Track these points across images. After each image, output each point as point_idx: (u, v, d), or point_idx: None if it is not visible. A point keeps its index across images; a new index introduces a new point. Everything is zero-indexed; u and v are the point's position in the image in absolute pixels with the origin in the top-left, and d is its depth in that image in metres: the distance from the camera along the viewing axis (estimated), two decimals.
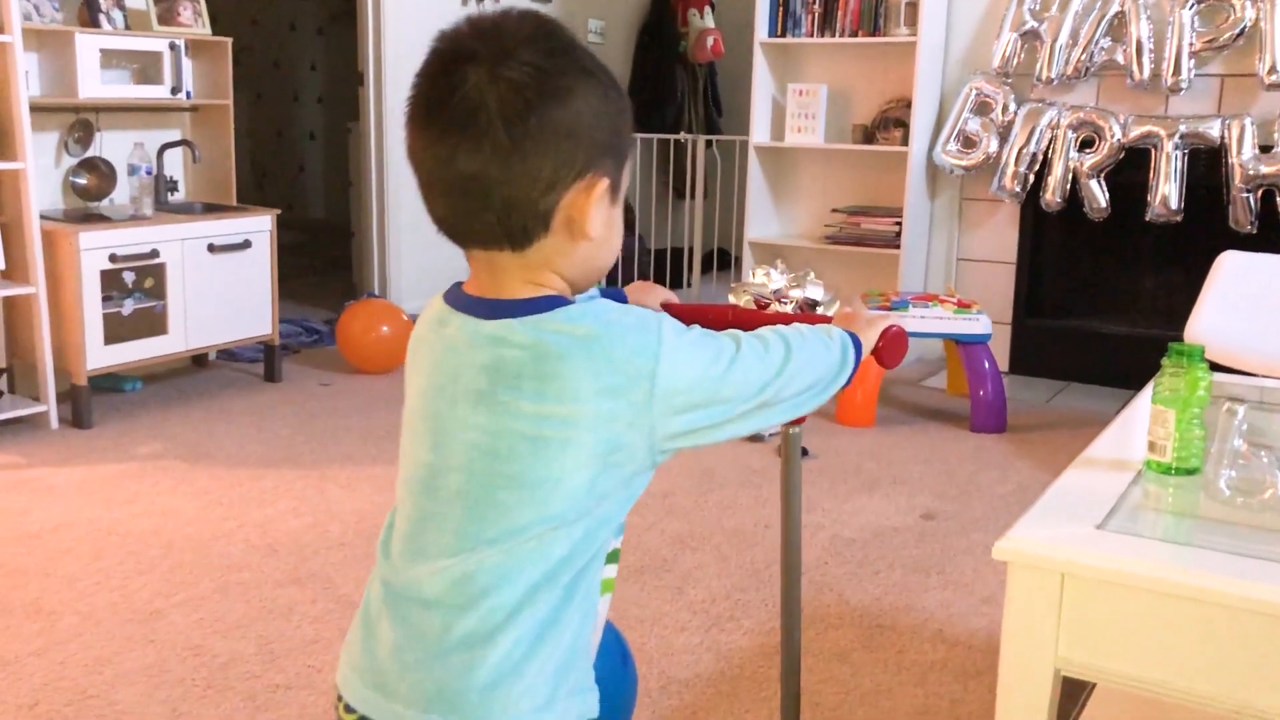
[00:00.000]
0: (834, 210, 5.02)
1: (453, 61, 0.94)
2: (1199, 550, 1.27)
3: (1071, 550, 1.23)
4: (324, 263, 7.04)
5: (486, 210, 0.96)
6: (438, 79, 0.95)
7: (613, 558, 1.06)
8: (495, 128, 0.93)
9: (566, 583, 0.99)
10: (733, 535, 2.95)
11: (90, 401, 3.77)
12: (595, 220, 0.98)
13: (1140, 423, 1.62)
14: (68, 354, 3.72)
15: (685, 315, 1.28)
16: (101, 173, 4.11)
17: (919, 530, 3.02)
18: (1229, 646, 1.17)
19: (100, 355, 3.76)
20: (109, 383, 4.14)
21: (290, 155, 8.48)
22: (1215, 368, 2.22)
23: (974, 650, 2.35)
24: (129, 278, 3.81)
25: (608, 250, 1.03)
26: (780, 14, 4.94)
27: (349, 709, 1.04)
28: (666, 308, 1.34)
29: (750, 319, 1.32)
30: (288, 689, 2.13)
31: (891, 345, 1.24)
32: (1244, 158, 4.12)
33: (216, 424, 3.85)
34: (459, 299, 1.04)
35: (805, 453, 3.62)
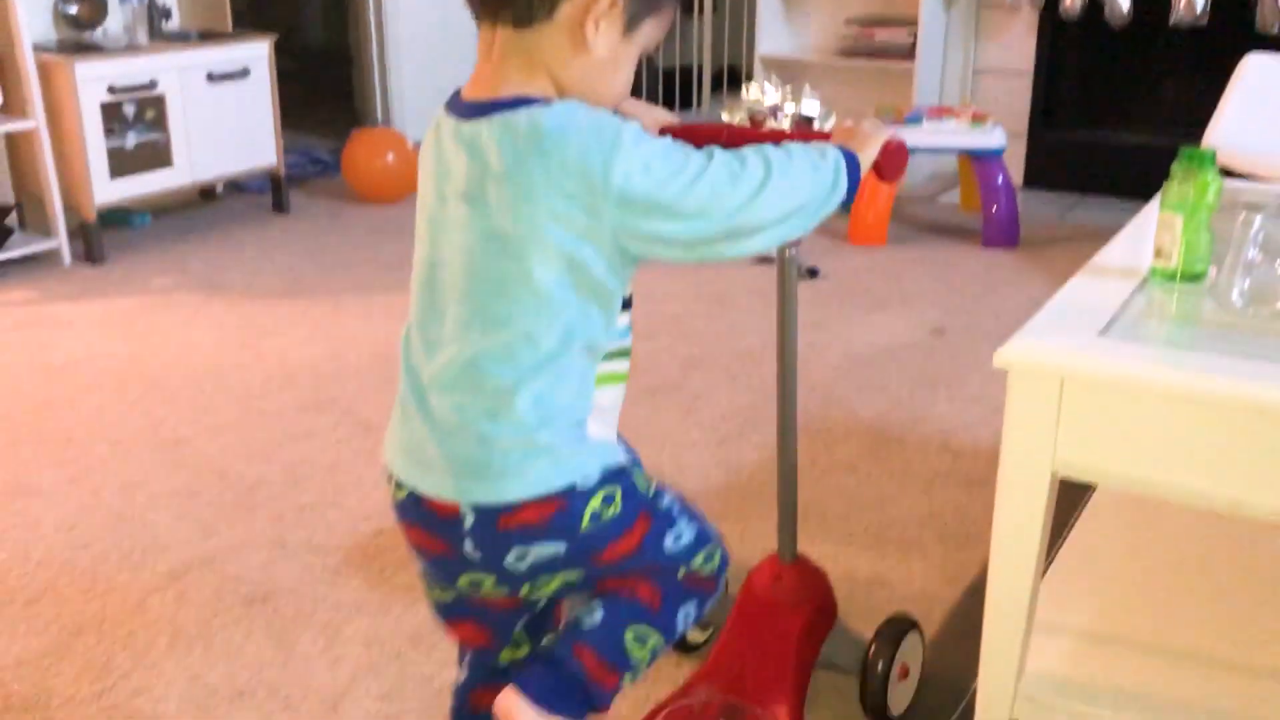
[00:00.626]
0: (847, 20, 4.87)
1: None
2: (1197, 352, 1.28)
3: (1071, 356, 1.25)
4: (325, 91, 6.90)
5: None
6: None
7: (623, 354, 1.12)
8: None
9: (561, 366, 1.05)
10: (742, 356, 2.98)
11: (101, 237, 3.77)
12: (600, 34, 1.02)
13: (1149, 231, 1.61)
14: (75, 189, 3.70)
15: (680, 136, 1.26)
16: (92, 0, 4.00)
17: (928, 346, 3.04)
18: (1224, 445, 1.20)
19: (107, 190, 3.74)
20: (118, 218, 4.13)
21: None
22: (1236, 176, 2.19)
23: (979, 459, 2.40)
24: (129, 110, 3.75)
25: (609, 81, 1.07)
26: None
27: (399, 485, 1.13)
28: (664, 131, 1.32)
29: (745, 137, 1.29)
30: (313, 508, 2.21)
31: (891, 159, 1.22)
32: None
33: (228, 256, 3.87)
34: (451, 103, 1.09)
35: (815, 273, 3.62)
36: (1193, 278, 1.49)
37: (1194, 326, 1.43)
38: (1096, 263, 1.62)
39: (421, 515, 1.12)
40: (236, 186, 4.66)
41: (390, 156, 4.47)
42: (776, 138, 1.19)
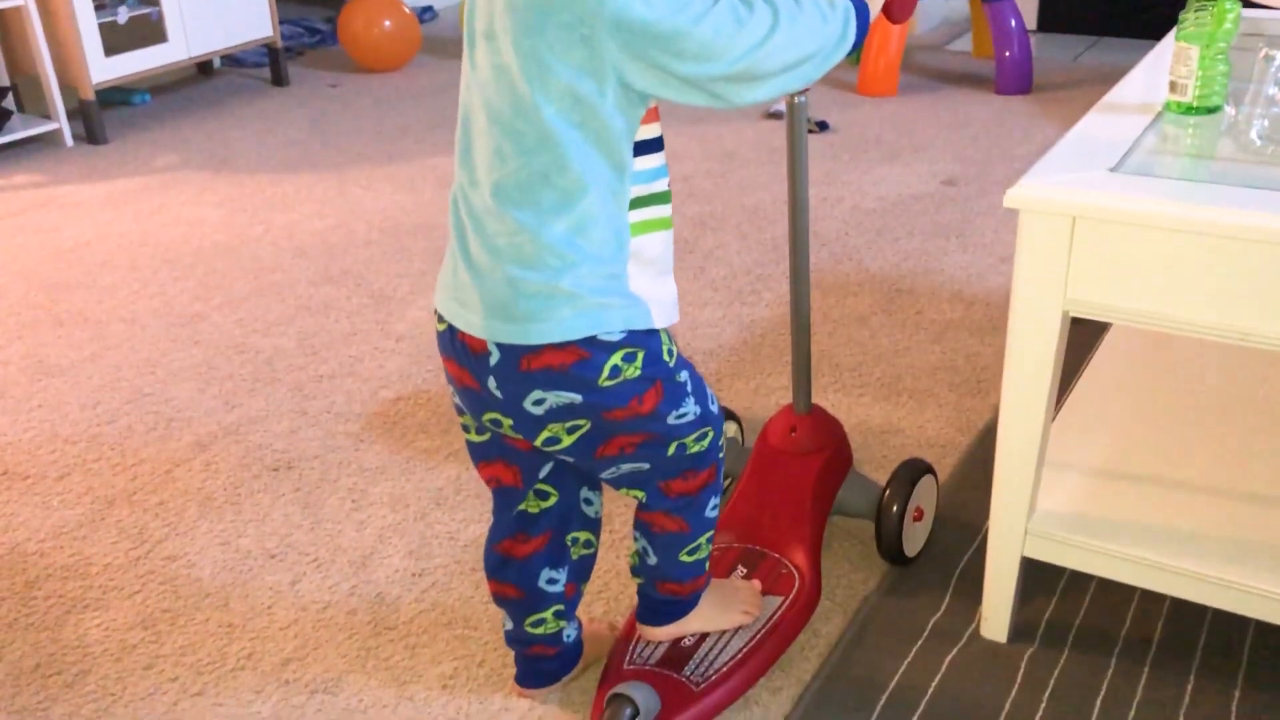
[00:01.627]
0: None
1: None
2: (1207, 185, 1.26)
3: (1082, 193, 1.23)
4: None
5: None
6: None
7: (660, 199, 1.13)
8: None
9: (582, 209, 1.06)
10: (753, 213, 2.96)
11: (100, 116, 3.73)
12: None
13: (1164, 66, 1.57)
14: (70, 69, 3.64)
15: None
16: None
17: (940, 196, 3.01)
18: (1234, 277, 1.19)
19: (103, 68, 3.68)
20: (118, 96, 4.08)
21: None
22: (1255, 5, 2.12)
23: (991, 307, 2.40)
24: None
25: None
26: None
27: (440, 318, 1.18)
28: None
29: None
30: (332, 378, 2.24)
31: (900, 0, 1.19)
32: None
33: (230, 131, 3.82)
34: None
35: (825, 126, 3.56)
36: (1208, 110, 1.46)
37: (1208, 161, 1.41)
38: (1110, 100, 1.59)
39: (456, 349, 1.16)
40: (234, 61, 4.57)
41: (387, 23, 4.37)
42: None
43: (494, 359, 1.12)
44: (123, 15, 3.70)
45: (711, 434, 1.25)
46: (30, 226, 3.07)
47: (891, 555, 1.63)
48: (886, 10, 1.19)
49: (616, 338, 1.11)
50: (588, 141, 1.04)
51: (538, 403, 1.13)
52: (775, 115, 3.70)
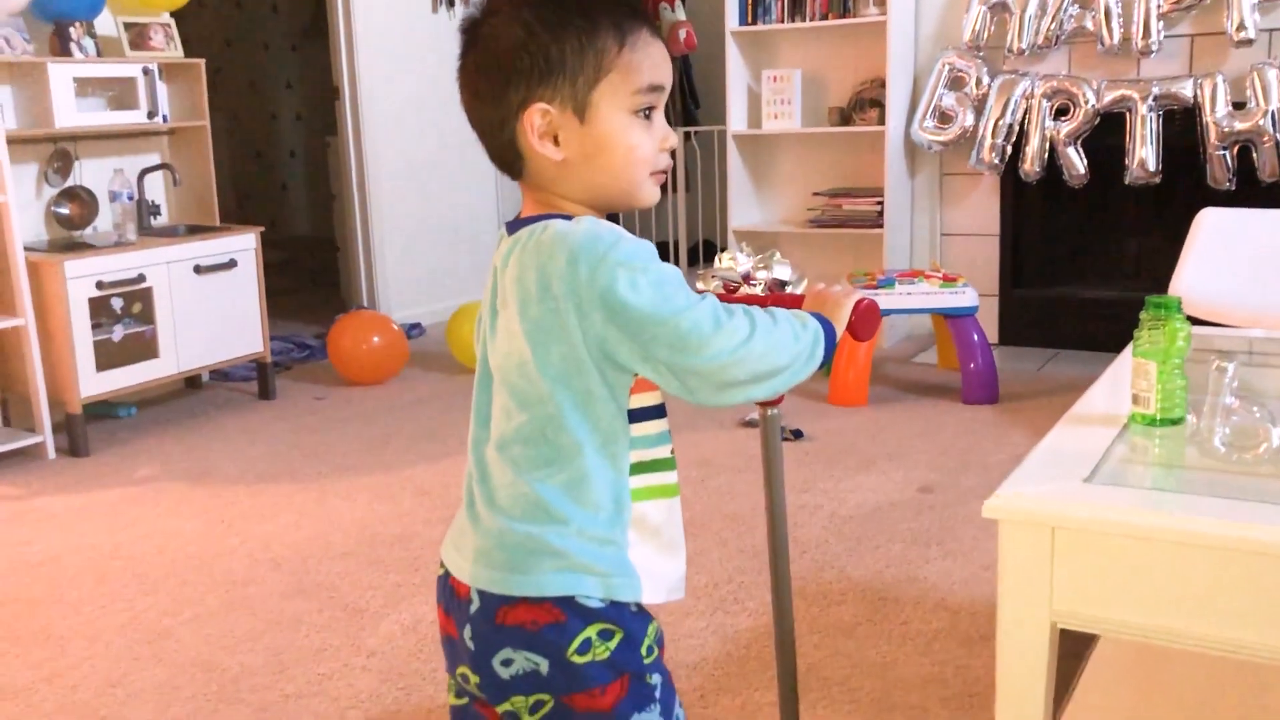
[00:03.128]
0: (815, 194, 5.04)
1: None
2: (1186, 496, 1.29)
3: (1060, 504, 1.25)
4: (311, 278, 7.05)
5: (485, 146, 1.15)
6: None
7: (664, 465, 1.15)
8: (462, 77, 1.14)
9: (576, 468, 1.09)
10: (732, 520, 2.96)
11: (85, 429, 3.77)
12: (560, 143, 1.10)
13: (1125, 379, 1.64)
14: (60, 383, 3.72)
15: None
16: (83, 201, 4.12)
17: (917, 503, 3.04)
18: (1219, 588, 1.19)
19: (93, 383, 3.76)
20: (103, 409, 4.14)
21: (271, 174, 8.48)
22: (1202, 324, 2.24)
23: (977, 616, 2.37)
24: (117, 304, 3.82)
25: (608, 164, 1.11)
26: (750, 2, 4.95)
27: (441, 564, 1.20)
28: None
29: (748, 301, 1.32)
30: (299, 698, 2.15)
31: (864, 319, 1.25)
32: (1218, 115, 4.14)
33: (213, 444, 3.86)
34: (509, 223, 1.18)
35: (799, 434, 3.63)
36: (1171, 422, 1.51)
37: (1179, 470, 1.44)
38: (1076, 412, 1.65)
39: (445, 592, 1.18)
40: (222, 374, 4.69)
41: (376, 339, 4.53)
42: (753, 302, 1.23)
43: (474, 606, 1.13)
44: (118, 333, 3.82)
45: None
46: (2, 540, 3.03)
47: None
48: (851, 330, 1.25)
49: (596, 606, 1.10)
50: (581, 404, 1.09)
51: (505, 663, 1.10)
52: (750, 424, 3.78)
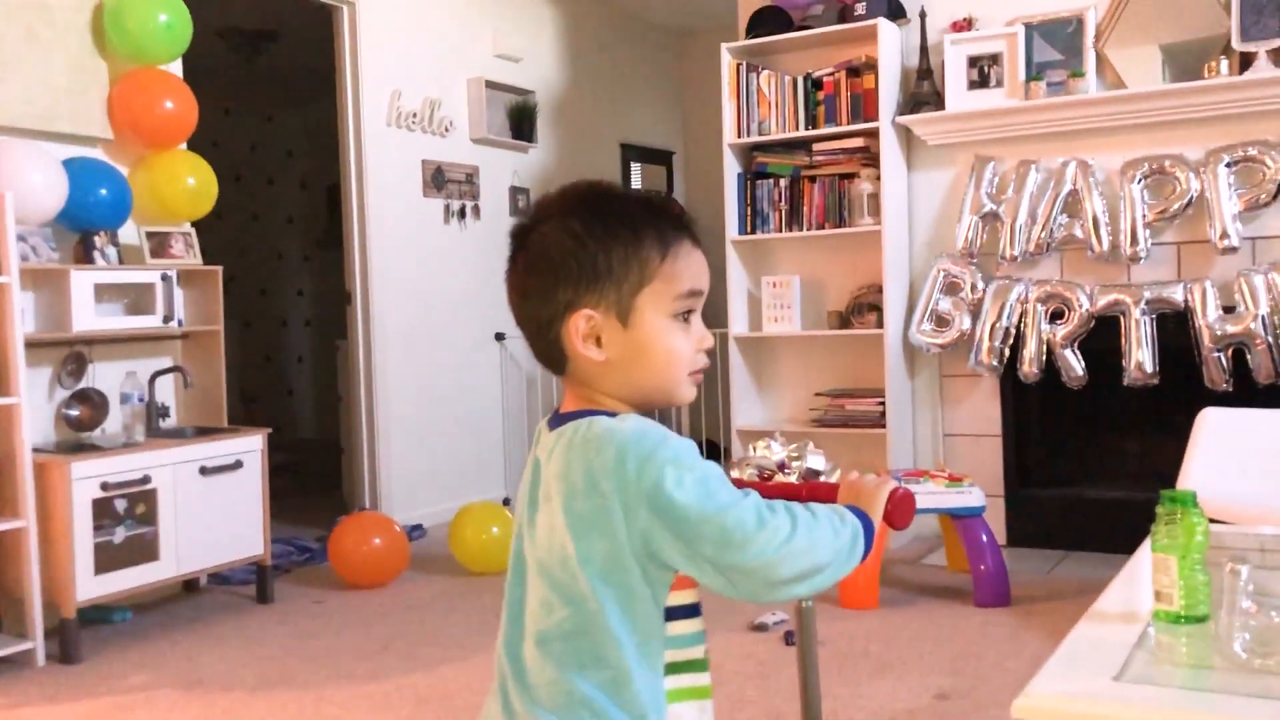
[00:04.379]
0: (817, 394, 5.10)
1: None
2: (1222, 695, 1.25)
3: (1092, 703, 1.22)
4: (314, 481, 7.04)
5: (529, 343, 1.19)
6: None
7: (697, 666, 1.15)
8: (509, 279, 1.19)
9: (620, 666, 1.08)
10: None
11: (78, 635, 3.68)
12: (603, 345, 1.14)
13: (1144, 574, 1.62)
14: (57, 586, 3.66)
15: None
16: (94, 403, 4.16)
17: (934, 711, 2.94)
18: None
19: (90, 586, 3.70)
20: (98, 614, 4.06)
21: (279, 379, 8.60)
22: (1211, 522, 2.22)
23: None
24: (120, 505, 3.80)
25: (648, 365, 1.15)
26: (749, 213, 5.15)
27: None
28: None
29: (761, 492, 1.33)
30: None
31: (900, 507, 1.27)
32: (1210, 319, 4.24)
33: (208, 649, 3.77)
34: (550, 418, 1.21)
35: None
36: (1196, 619, 1.48)
37: (1208, 669, 1.40)
38: (1098, 609, 1.62)
39: None
40: (220, 578, 4.62)
41: (377, 540, 4.48)
42: (788, 492, 1.24)
43: None
44: (119, 535, 3.79)
45: None
46: None
47: None
48: (888, 519, 1.26)
49: None
50: (622, 602, 1.08)
51: None
52: (760, 627, 3.70)
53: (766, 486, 1.36)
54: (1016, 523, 4.77)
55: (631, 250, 1.13)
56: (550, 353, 1.17)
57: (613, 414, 1.13)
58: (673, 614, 1.12)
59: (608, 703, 1.08)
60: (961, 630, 3.64)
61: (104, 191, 4.02)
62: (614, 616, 1.08)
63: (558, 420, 1.17)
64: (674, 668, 1.13)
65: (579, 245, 1.12)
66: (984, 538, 3.94)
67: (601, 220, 1.13)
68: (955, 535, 4.17)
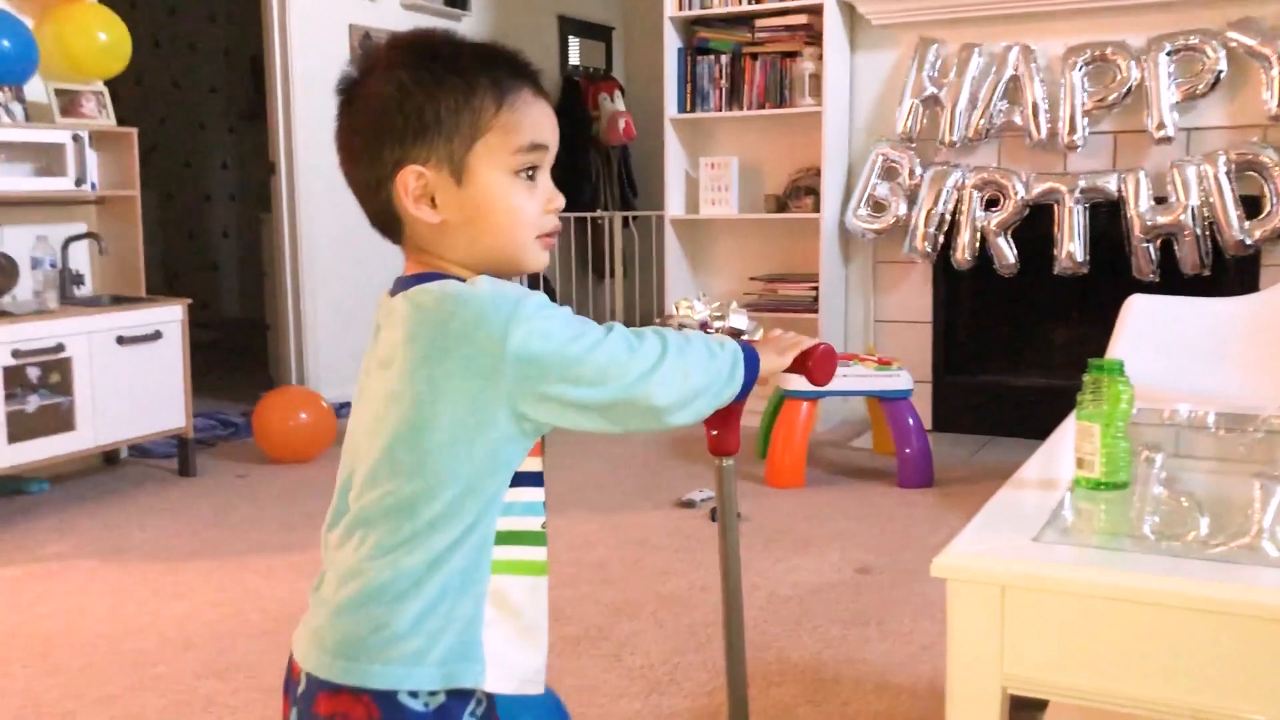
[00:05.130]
0: (751, 278, 5.08)
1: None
2: (1138, 554, 1.26)
3: (1010, 561, 1.22)
4: (241, 359, 6.91)
5: (364, 209, 1.11)
6: None
7: (533, 539, 1.07)
8: (337, 146, 1.12)
9: (441, 548, 1.02)
10: (669, 600, 2.89)
11: None
12: (428, 203, 1.06)
13: (1066, 445, 1.63)
14: None
15: None
16: (2, 268, 3.99)
17: (855, 584, 2.99)
18: (1177, 649, 1.16)
19: (4, 454, 3.60)
20: (13, 485, 3.96)
21: (203, 254, 8.36)
22: None
23: (918, 698, 2.31)
24: (33, 373, 3.68)
25: (487, 229, 1.07)
26: (689, 90, 5.04)
27: (291, 658, 1.12)
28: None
29: None
30: None
31: (821, 362, 1.24)
32: (1141, 209, 4.27)
33: (129, 521, 3.70)
34: (393, 284, 1.12)
35: (738, 516, 3.58)
36: (1116, 486, 1.50)
37: (1125, 533, 1.42)
38: (1019, 476, 1.63)
39: (288, 679, 1.13)
40: (141, 451, 4.53)
41: (303, 415, 4.42)
42: None
43: (300, 689, 1.08)
44: (33, 404, 3.68)
45: None
46: None
47: None
48: (810, 374, 1.23)
49: (418, 709, 1.01)
50: (467, 473, 1.02)
51: None
52: (686, 504, 3.73)
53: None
54: (943, 408, 4.84)
55: (463, 100, 1.04)
56: (383, 218, 1.08)
57: (449, 275, 1.06)
58: (515, 480, 1.05)
59: (419, 582, 1.01)
60: (884, 509, 3.70)
61: (5, 43, 3.79)
62: (451, 488, 1.01)
63: (400, 285, 1.08)
64: (506, 537, 1.05)
65: (404, 97, 1.04)
66: (910, 420, 3.98)
67: (429, 69, 1.04)
68: (883, 418, 4.22)
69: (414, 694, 1.02)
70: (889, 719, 2.22)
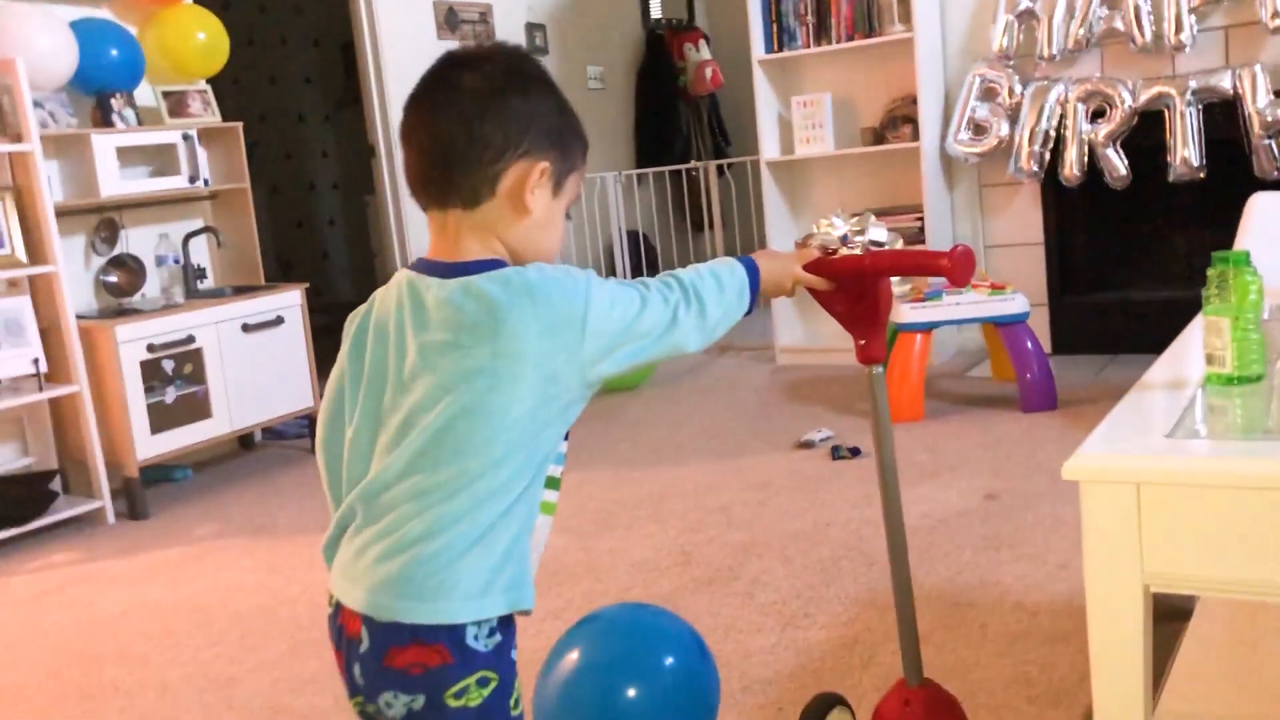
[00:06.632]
0: (853, 214, 5.00)
1: (446, 65, 1.22)
2: (1269, 442, 1.23)
3: (1144, 459, 1.20)
4: None
5: (448, 166, 1.18)
6: (433, 74, 1.22)
7: (552, 484, 1.22)
8: (464, 99, 1.18)
9: (509, 500, 1.14)
10: (795, 538, 2.91)
11: (143, 493, 3.80)
12: (535, 197, 1.19)
13: (1195, 344, 1.59)
14: (117, 448, 3.76)
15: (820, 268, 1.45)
16: (130, 269, 4.18)
17: (983, 510, 2.96)
18: None
19: (149, 445, 3.79)
20: (160, 473, 4.17)
21: (313, 243, 8.60)
22: None
23: (1057, 615, 2.29)
24: (168, 366, 3.85)
25: (548, 237, 1.23)
26: (775, 29, 4.97)
27: (331, 600, 1.22)
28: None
29: (826, 267, 1.43)
30: None
31: (960, 263, 1.30)
32: (1260, 105, 4.08)
33: (270, 500, 3.87)
34: (422, 266, 1.22)
35: (857, 452, 3.58)
36: (1250, 380, 1.46)
37: (1262, 426, 1.38)
38: (1145, 381, 1.60)
39: (336, 628, 1.21)
40: (274, 433, 4.71)
41: None
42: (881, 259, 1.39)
43: (363, 645, 1.15)
44: (170, 395, 3.86)
45: None
46: (66, 602, 3.04)
47: None
48: (947, 273, 1.28)
49: (482, 650, 1.13)
50: (541, 433, 1.15)
51: (388, 705, 1.14)
52: (805, 444, 3.73)
53: (832, 262, 1.38)
54: (1062, 330, 4.72)
55: (579, 143, 1.26)
56: (476, 181, 1.18)
57: (515, 264, 1.19)
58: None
59: (499, 523, 1.13)
60: (1008, 434, 3.65)
61: (115, 52, 3.94)
62: (525, 450, 1.14)
63: (460, 267, 1.18)
64: (548, 482, 1.21)
65: (562, 112, 1.24)
66: (1029, 344, 3.90)
67: (569, 110, 1.25)
68: (1000, 345, 4.14)
69: (476, 636, 1.13)
70: (1029, 638, 2.21)
